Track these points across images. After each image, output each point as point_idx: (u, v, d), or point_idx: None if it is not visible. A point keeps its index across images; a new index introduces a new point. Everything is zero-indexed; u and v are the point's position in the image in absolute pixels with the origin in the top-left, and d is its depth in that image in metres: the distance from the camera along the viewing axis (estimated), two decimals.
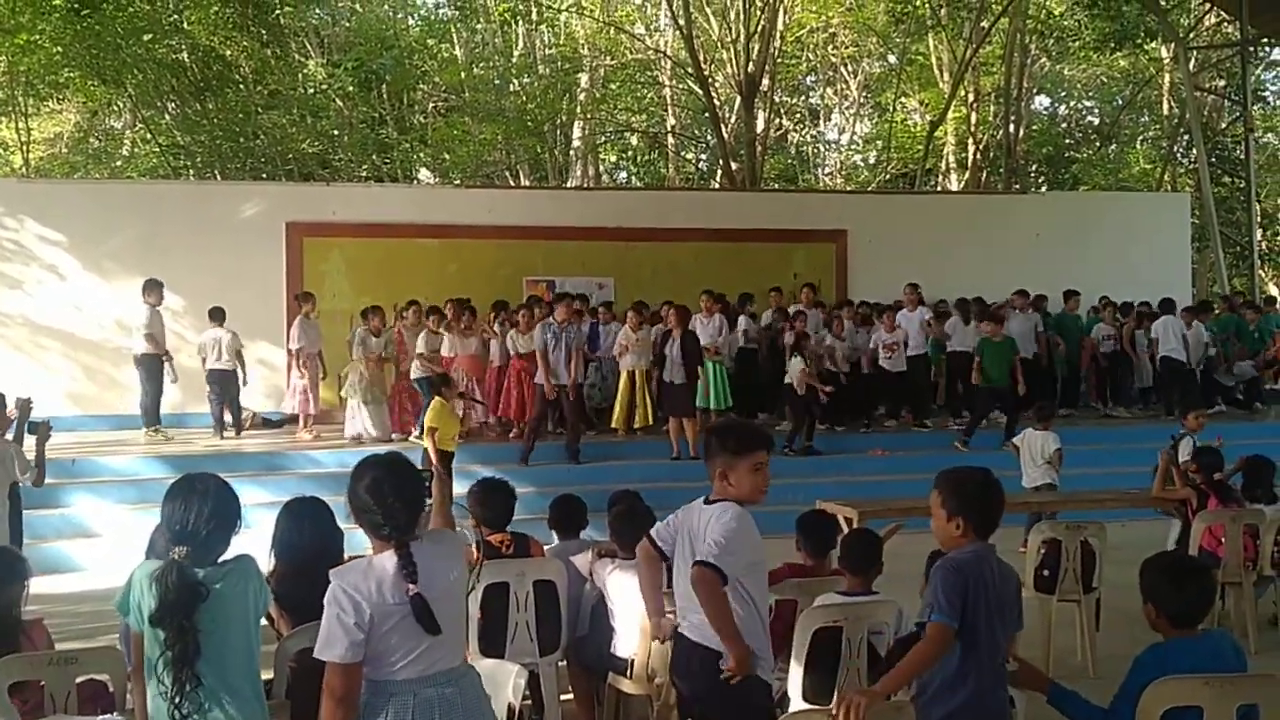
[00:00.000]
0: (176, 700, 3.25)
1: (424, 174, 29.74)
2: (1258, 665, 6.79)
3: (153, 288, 13.54)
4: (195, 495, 3.42)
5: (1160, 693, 3.54)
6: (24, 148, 25.50)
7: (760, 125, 27.55)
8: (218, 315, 13.92)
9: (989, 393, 13.19)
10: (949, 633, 3.62)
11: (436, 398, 10.23)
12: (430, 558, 3.32)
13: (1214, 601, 3.93)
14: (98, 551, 10.02)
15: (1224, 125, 27.93)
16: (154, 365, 13.44)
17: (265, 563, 4.62)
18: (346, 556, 5.32)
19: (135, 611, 3.34)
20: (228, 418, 13.98)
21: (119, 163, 28.48)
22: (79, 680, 4.18)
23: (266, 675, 4.34)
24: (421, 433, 10.38)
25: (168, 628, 3.26)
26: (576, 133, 30.85)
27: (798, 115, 33.73)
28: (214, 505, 3.43)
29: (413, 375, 13.25)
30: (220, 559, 3.44)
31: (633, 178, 34.05)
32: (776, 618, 5.09)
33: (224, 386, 13.87)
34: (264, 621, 3.72)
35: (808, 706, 4.45)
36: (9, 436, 6.87)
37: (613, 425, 13.61)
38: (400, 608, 3.23)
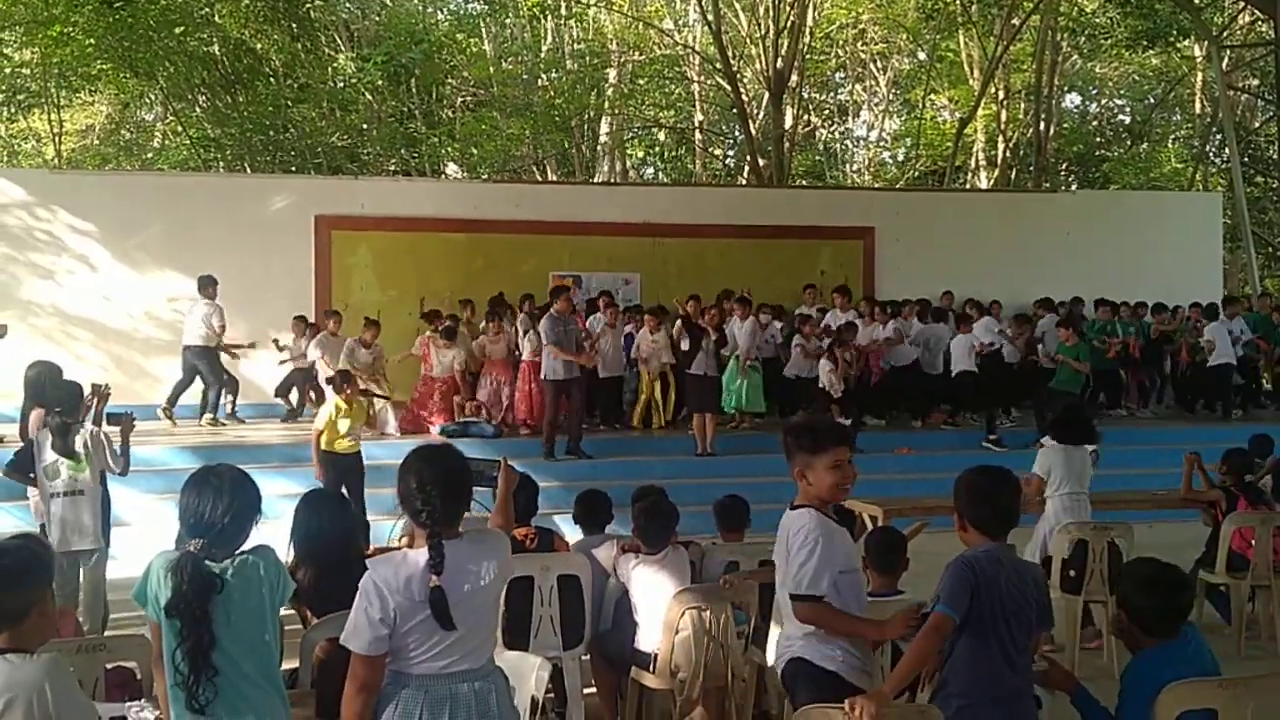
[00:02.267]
0: (193, 690, 3.27)
1: (452, 168, 29.82)
2: None
3: (209, 283, 13.71)
4: (210, 487, 3.44)
5: (1174, 697, 3.52)
6: (56, 139, 25.74)
7: (788, 121, 27.46)
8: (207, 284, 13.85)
9: (1062, 396, 13.17)
10: (948, 623, 3.64)
11: (335, 396, 10.01)
12: (464, 554, 3.34)
13: (1186, 612, 3.89)
14: (125, 540, 10.07)
15: (1257, 124, 27.69)
16: (214, 357, 13.77)
17: (284, 554, 4.66)
18: (373, 548, 5.34)
19: (152, 603, 3.35)
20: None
21: (149, 155, 28.68)
22: (107, 667, 4.21)
23: (292, 664, 4.37)
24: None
25: (183, 619, 3.28)
26: (604, 128, 30.87)
27: (826, 111, 33.61)
28: (231, 497, 3.44)
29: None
30: (239, 550, 3.45)
31: (660, 173, 34.04)
32: None
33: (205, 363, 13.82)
34: (290, 610, 3.73)
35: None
36: (88, 422, 6.84)
37: (634, 424, 13.73)
38: (425, 605, 3.24)
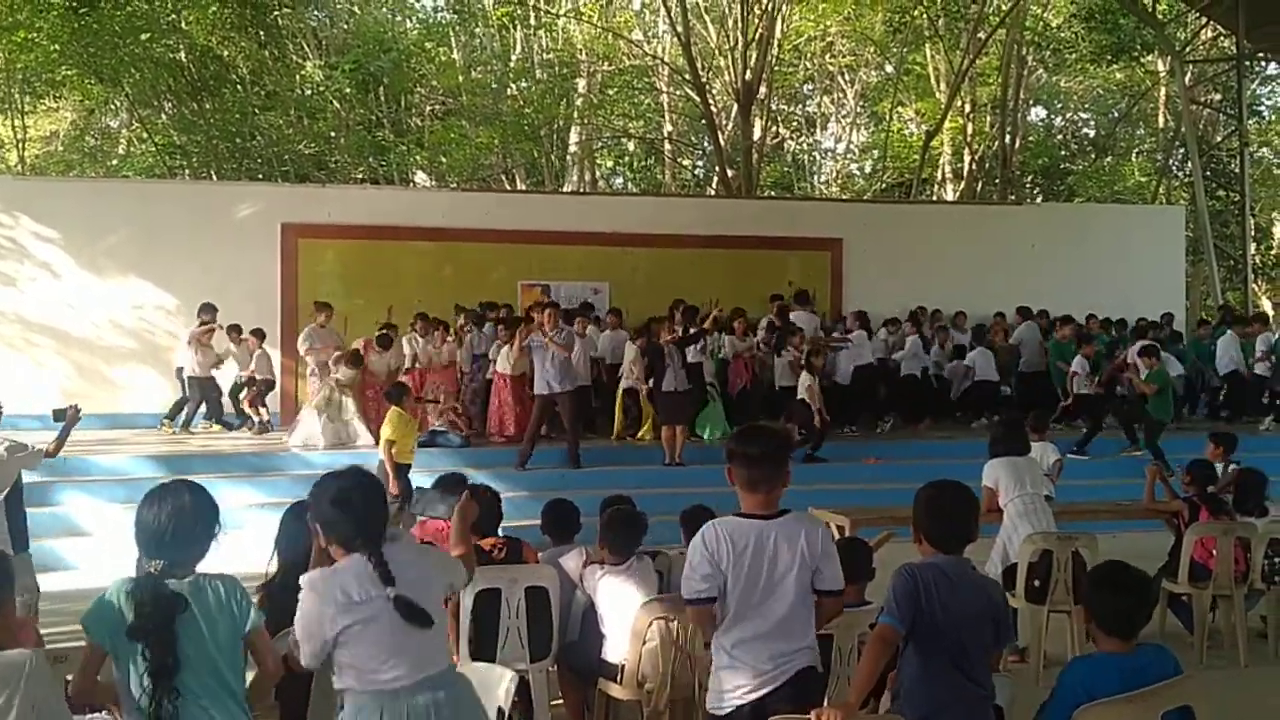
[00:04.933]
0: (157, 714, 3.21)
1: (420, 177, 29.74)
2: (1247, 677, 6.84)
3: (201, 310, 14.21)
4: (168, 505, 3.39)
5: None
6: (20, 145, 25.48)
7: (757, 133, 27.58)
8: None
9: (1152, 422, 13.19)
10: (893, 634, 3.69)
11: (394, 408, 10.11)
12: (401, 559, 3.38)
13: (1148, 614, 3.93)
14: (88, 550, 10.00)
15: (1219, 139, 28.01)
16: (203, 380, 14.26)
17: (266, 563, 4.63)
18: None
19: (110, 630, 3.26)
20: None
21: (115, 161, 28.47)
22: (68, 678, 4.16)
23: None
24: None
25: (147, 642, 3.22)
26: (573, 137, 30.87)
27: (794, 123, 33.77)
28: (190, 516, 3.40)
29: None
30: (199, 570, 3.41)
31: (629, 183, 34.07)
32: None
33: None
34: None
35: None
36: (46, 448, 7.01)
37: (614, 437, 13.74)
38: (366, 606, 3.27)
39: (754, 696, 3.79)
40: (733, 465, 3.96)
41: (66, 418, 7.18)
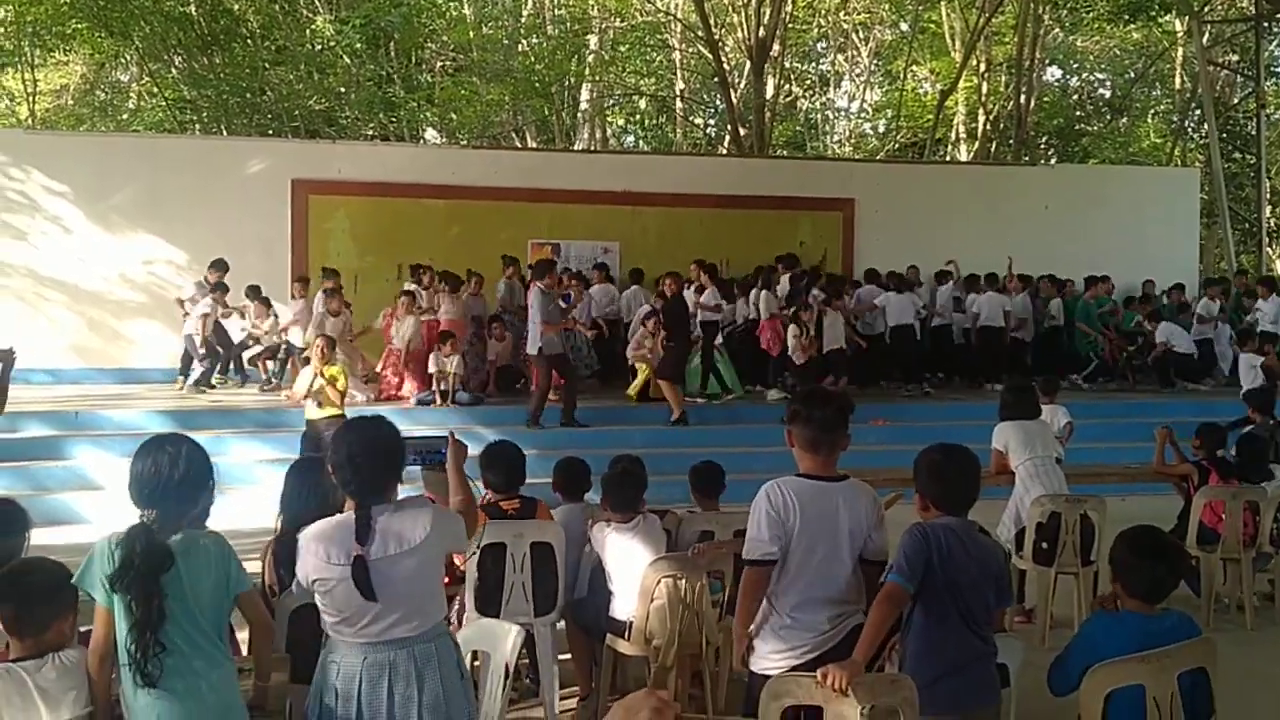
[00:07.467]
0: (142, 665, 3.21)
1: (430, 134, 29.61)
2: (1255, 641, 6.85)
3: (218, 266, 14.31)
4: (165, 455, 3.40)
5: (1100, 678, 3.54)
6: (30, 99, 25.44)
7: (770, 91, 27.35)
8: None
9: None
10: (901, 593, 3.69)
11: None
12: (392, 522, 3.40)
13: (1175, 580, 3.92)
14: (101, 503, 10.05)
15: (1236, 100, 27.75)
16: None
17: (274, 518, 4.66)
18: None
19: (100, 582, 3.27)
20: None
21: (125, 116, 28.39)
22: (80, 630, 4.19)
23: None
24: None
25: (132, 592, 3.22)
26: (584, 95, 30.69)
27: (808, 82, 33.52)
28: (184, 469, 3.42)
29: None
30: (189, 522, 3.43)
31: (640, 141, 33.91)
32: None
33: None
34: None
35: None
36: None
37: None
38: (341, 569, 3.32)
39: (811, 657, 3.81)
40: (794, 426, 3.95)
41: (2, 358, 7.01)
